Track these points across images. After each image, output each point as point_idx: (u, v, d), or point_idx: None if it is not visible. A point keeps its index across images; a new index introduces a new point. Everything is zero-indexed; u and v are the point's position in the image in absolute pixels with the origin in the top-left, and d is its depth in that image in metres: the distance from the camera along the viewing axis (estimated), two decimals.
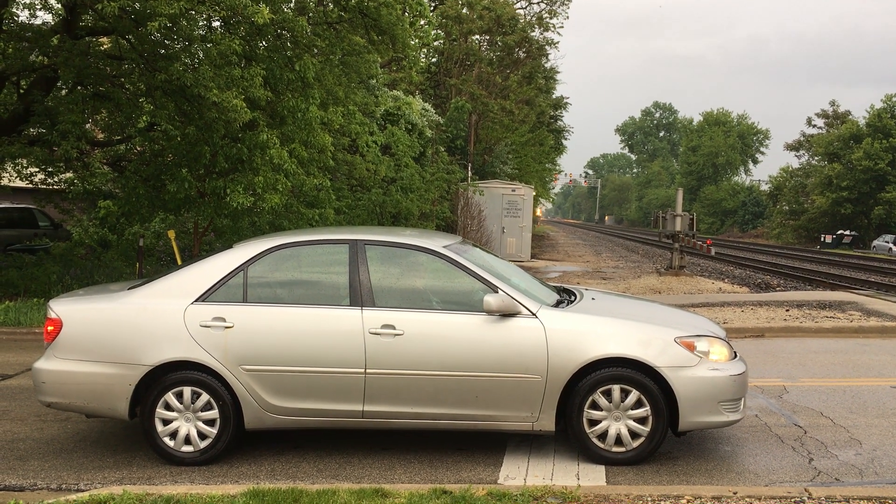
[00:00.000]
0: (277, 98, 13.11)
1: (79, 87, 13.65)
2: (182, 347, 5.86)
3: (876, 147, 55.72)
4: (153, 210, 14.29)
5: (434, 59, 34.63)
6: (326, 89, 14.52)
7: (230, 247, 6.46)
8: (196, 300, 5.99)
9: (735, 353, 6.24)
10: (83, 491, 5.35)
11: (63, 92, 14.41)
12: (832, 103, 71.34)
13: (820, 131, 69.69)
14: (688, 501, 4.96)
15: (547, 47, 39.41)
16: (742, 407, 6.10)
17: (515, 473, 5.80)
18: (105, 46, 14.30)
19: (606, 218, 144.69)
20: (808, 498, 5.00)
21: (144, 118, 14.17)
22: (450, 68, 34.25)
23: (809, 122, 72.25)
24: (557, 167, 68.67)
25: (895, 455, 6.17)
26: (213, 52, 11.66)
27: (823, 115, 70.99)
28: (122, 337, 5.94)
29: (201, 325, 5.90)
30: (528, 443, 6.46)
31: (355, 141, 18.21)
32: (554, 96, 49.38)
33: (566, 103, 52.39)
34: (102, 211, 16.98)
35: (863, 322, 12.63)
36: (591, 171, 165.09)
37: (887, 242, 49.57)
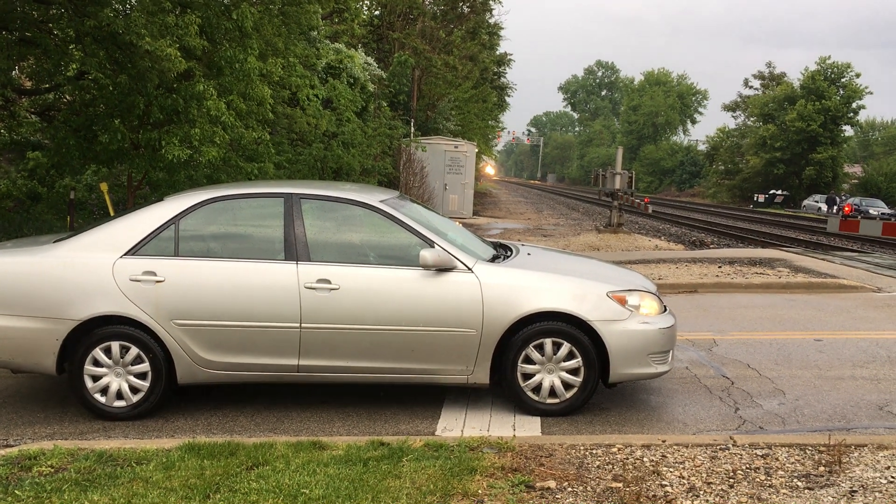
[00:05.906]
0: (214, 48, 12.74)
1: (3, 32, 13.02)
2: (111, 302, 5.74)
3: (809, 109, 57.05)
4: (85, 162, 13.82)
5: (377, 12, 34.02)
6: (265, 40, 14.13)
7: (161, 199, 6.32)
8: (125, 254, 5.86)
9: (665, 306, 6.38)
10: (12, 447, 5.24)
11: None
12: (768, 65, 72.91)
13: (756, 92, 70.99)
14: (619, 450, 5.09)
15: (491, 2, 39.11)
16: (670, 359, 6.27)
17: (453, 425, 5.87)
18: None
19: (549, 176, 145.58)
20: (733, 445, 5.18)
21: (74, 66, 13.61)
22: (393, 21, 33.69)
23: (746, 83, 73.66)
24: (500, 124, 68.74)
25: (816, 404, 6.43)
26: None
27: (760, 76, 72.31)
28: (48, 291, 5.77)
29: (131, 280, 5.78)
30: (466, 396, 6.54)
31: (296, 94, 17.83)
32: (498, 53, 49.17)
33: (510, 60, 52.27)
34: (31, 162, 16.38)
35: (790, 278, 13.03)
36: (533, 129, 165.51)
37: (817, 202, 51.12)
